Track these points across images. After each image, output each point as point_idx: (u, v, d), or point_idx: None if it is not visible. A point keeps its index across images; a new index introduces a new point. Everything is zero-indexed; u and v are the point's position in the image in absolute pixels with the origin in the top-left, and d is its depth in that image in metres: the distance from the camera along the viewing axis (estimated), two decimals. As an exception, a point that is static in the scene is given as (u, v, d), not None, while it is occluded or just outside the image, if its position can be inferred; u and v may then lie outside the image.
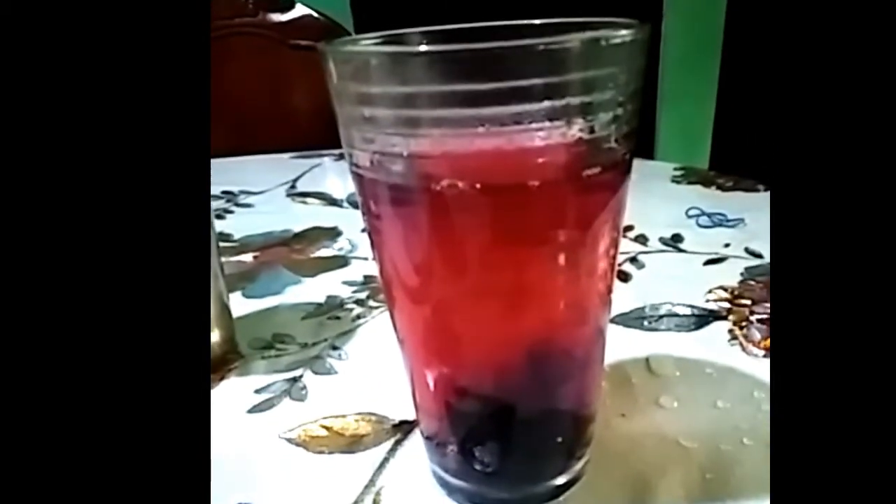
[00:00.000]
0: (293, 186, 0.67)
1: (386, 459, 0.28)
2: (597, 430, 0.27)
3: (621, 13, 0.20)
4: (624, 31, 0.18)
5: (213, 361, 0.36)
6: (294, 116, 0.88)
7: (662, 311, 0.39)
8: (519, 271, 0.21)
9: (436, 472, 0.27)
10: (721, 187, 0.59)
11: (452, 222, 0.20)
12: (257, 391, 0.33)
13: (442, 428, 0.25)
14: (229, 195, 0.65)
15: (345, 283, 0.45)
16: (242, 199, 0.64)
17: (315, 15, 0.91)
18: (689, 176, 0.63)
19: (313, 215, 0.58)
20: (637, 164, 0.21)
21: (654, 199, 0.56)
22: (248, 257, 0.50)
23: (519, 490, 0.26)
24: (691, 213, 0.53)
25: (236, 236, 0.54)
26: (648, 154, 1.76)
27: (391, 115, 0.19)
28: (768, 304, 0.38)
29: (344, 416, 0.31)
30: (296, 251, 0.51)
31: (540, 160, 0.19)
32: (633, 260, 0.46)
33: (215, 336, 0.36)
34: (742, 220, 0.51)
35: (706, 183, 0.60)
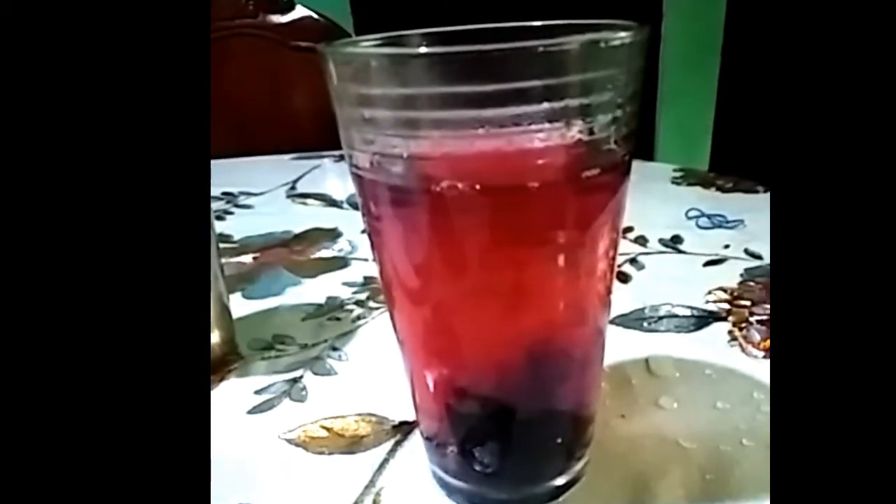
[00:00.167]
0: (293, 187, 0.67)
1: (386, 460, 0.28)
2: (596, 431, 0.27)
3: (621, 14, 0.20)
4: (623, 33, 0.18)
5: (213, 362, 0.36)
6: (294, 118, 0.88)
7: (662, 313, 0.39)
8: (518, 272, 0.21)
9: (436, 473, 0.27)
10: (721, 188, 0.59)
11: (452, 223, 0.20)
12: (257, 392, 0.33)
13: (442, 429, 0.25)
14: (229, 196, 0.65)
15: (345, 284, 0.45)
16: (242, 201, 0.64)
17: (315, 16, 0.91)
18: (688, 177, 0.63)
19: (313, 216, 0.58)
20: (637, 165, 0.21)
21: (653, 201, 0.56)
22: (248, 258, 0.50)
23: (519, 491, 0.26)
24: (691, 214, 0.53)
25: (236, 237, 0.54)
26: (648, 155, 1.76)
27: (391, 117, 0.19)
28: (768, 306, 0.38)
29: (344, 417, 0.31)
30: (296, 252, 0.51)
31: (539, 162, 0.19)
32: (632, 261, 0.46)
33: (215, 337, 0.36)
34: (742, 221, 0.51)
35: (706, 184, 0.60)
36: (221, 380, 0.35)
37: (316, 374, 0.35)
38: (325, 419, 0.31)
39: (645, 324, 0.38)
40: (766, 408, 0.29)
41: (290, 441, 0.30)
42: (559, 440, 0.25)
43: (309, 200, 0.63)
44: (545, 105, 0.18)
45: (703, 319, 0.38)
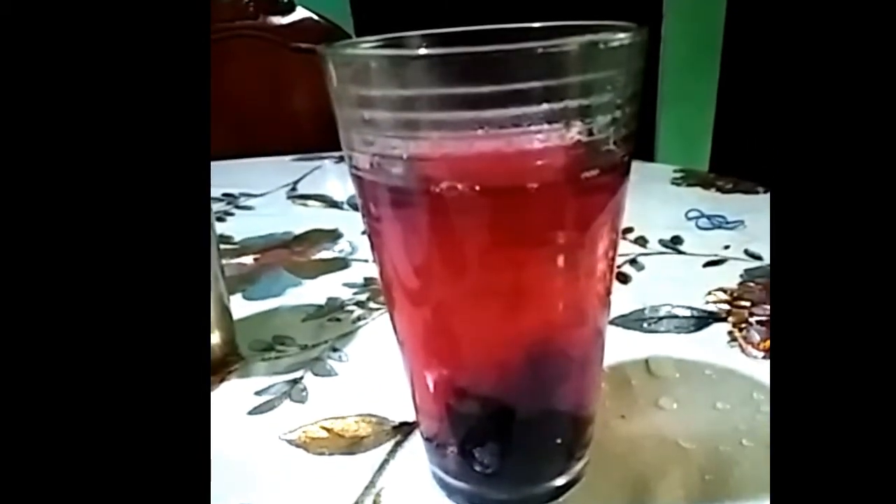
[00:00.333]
0: (294, 189, 0.67)
1: (386, 461, 0.28)
2: (596, 432, 0.27)
3: (621, 16, 0.20)
4: (622, 35, 0.18)
5: (214, 363, 0.36)
6: (294, 119, 0.88)
7: (662, 313, 0.39)
8: (518, 273, 0.21)
9: (436, 474, 0.27)
10: (721, 189, 0.59)
11: (452, 224, 0.20)
12: (257, 393, 0.33)
13: (442, 429, 0.25)
14: (230, 197, 0.65)
15: (345, 285, 0.45)
16: (243, 202, 0.64)
17: (315, 18, 0.91)
18: (688, 178, 0.63)
19: (314, 217, 0.58)
20: (637, 165, 0.22)
21: (653, 201, 0.56)
22: (248, 259, 0.50)
23: (518, 491, 0.26)
24: (691, 214, 0.53)
25: (237, 238, 0.54)
26: (648, 156, 1.76)
27: (391, 118, 0.19)
28: (767, 306, 0.38)
29: (344, 418, 0.31)
30: (296, 253, 0.51)
31: (539, 162, 0.19)
32: (632, 262, 0.46)
33: (216, 338, 0.36)
34: (742, 221, 0.51)
35: (706, 185, 0.60)
36: (222, 381, 0.35)
37: (316, 374, 0.35)
38: (326, 420, 0.31)
39: (645, 324, 0.38)
40: (766, 408, 0.29)
41: (290, 442, 0.30)
42: (559, 441, 0.25)
43: (309, 202, 0.63)
44: (544, 106, 0.18)
45: (702, 320, 0.38)
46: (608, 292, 0.23)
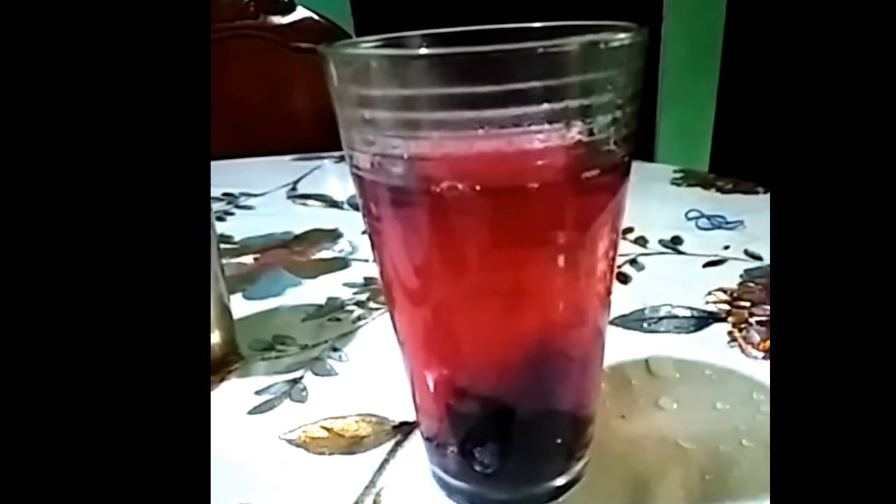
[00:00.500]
0: (294, 188, 0.67)
1: (386, 460, 0.28)
2: (596, 432, 0.27)
3: (621, 16, 0.20)
4: (622, 35, 0.18)
5: (214, 363, 0.36)
6: (295, 118, 0.88)
7: (662, 313, 0.39)
8: (518, 273, 0.21)
9: (436, 473, 0.27)
10: (721, 189, 0.59)
11: (452, 224, 0.20)
12: (258, 392, 0.33)
13: (442, 429, 0.25)
14: (230, 197, 0.65)
15: (345, 284, 0.45)
16: (243, 201, 0.64)
17: (316, 17, 0.91)
18: (688, 178, 0.63)
19: (314, 217, 0.58)
20: (637, 166, 0.22)
21: (653, 202, 0.56)
22: (248, 259, 0.50)
23: (519, 491, 0.26)
24: (691, 215, 0.53)
25: (237, 238, 0.54)
26: (648, 156, 1.76)
27: (391, 118, 0.19)
28: (767, 306, 0.38)
29: (344, 418, 0.31)
30: (296, 253, 0.51)
31: (539, 162, 0.19)
32: (632, 262, 0.46)
33: (216, 337, 0.36)
34: (741, 222, 0.51)
35: (706, 185, 0.60)
36: (222, 380, 0.35)
37: (316, 374, 0.35)
38: (326, 420, 0.31)
39: (645, 324, 0.38)
40: (766, 408, 0.29)
41: (290, 441, 0.30)
42: (559, 440, 0.25)
43: (309, 201, 0.63)
44: (545, 106, 0.18)
45: (702, 320, 0.38)
46: (608, 292, 0.23)
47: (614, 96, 0.19)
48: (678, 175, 0.64)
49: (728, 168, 0.69)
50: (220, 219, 0.59)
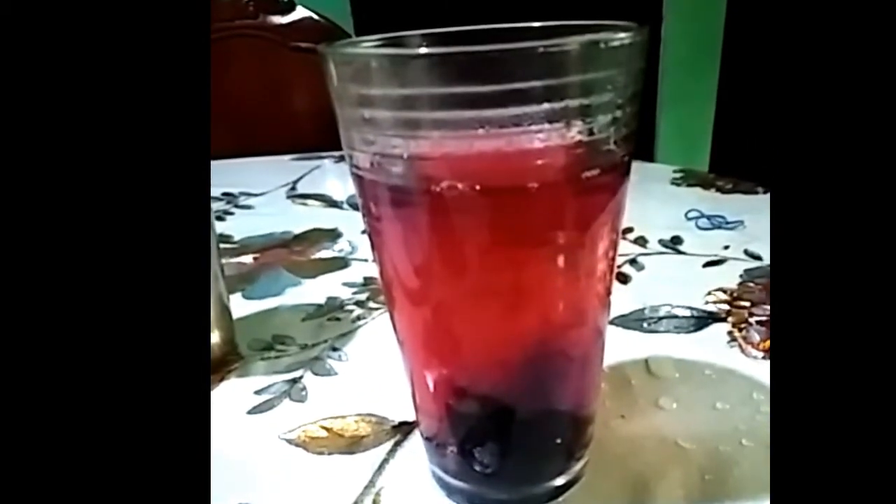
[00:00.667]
0: (293, 188, 0.67)
1: (386, 460, 0.28)
2: (596, 432, 0.27)
3: (621, 16, 0.20)
4: (622, 34, 0.18)
5: (213, 363, 0.36)
6: (294, 118, 0.88)
7: (662, 313, 0.39)
8: (518, 273, 0.21)
9: (435, 473, 0.27)
10: (720, 189, 0.59)
11: (452, 224, 0.20)
12: (257, 392, 0.33)
13: (442, 429, 0.25)
14: (229, 197, 0.65)
15: (345, 284, 0.45)
16: (243, 201, 0.64)
17: (315, 17, 0.91)
18: (688, 178, 0.63)
19: (313, 217, 0.58)
20: (637, 166, 0.22)
21: (653, 202, 0.56)
22: (248, 259, 0.50)
23: (518, 491, 0.26)
24: (691, 215, 0.53)
25: (236, 238, 0.54)
26: (648, 156, 1.76)
27: (391, 117, 0.19)
28: (767, 306, 0.38)
29: (344, 418, 0.31)
30: (296, 253, 0.51)
31: (539, 162, 0.19)
32: (632, 262, 0.46)
33: (215, 337, 0.36)
34: (741, 222, 0.51)
35: (706, 185, 0.61)
36: (221, 380, 0.35)
37: (316, 374, 0.35)
38: (325, 419, 0.31)
39: (645, 324, 0.38)
40: (766, 408, 0.29)
41: (289, 441, 0.30)
42: (559, 440, 0.25)
43: (309, 201, 0.63)
44: (545, 106, 0.18)
45: (702, 320, 0.38)
46: (608, 292, 0.23)
47: (614, 96, 0.19)
48: (678, 175, 0.64)
49: (728, 168, 0.69)
50: (219, 218, 0.59)
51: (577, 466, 0.26)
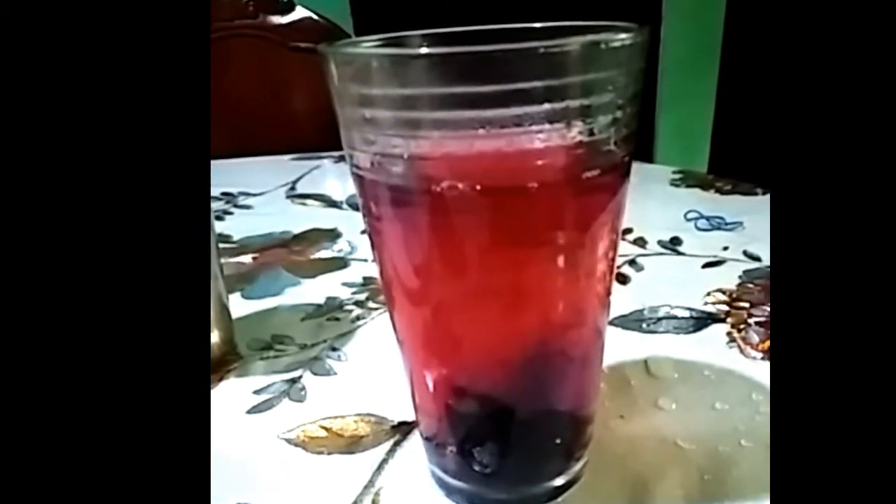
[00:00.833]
0: (293, 188, 0.67)
1: (385, 460, 0.28)
2: (595, 432, 0.27)
3: (621, 16, 0.20)
4: (623, 35, 0.18)
5: (213, 362, 0.36)
6: (294, 118, 0.88)
7: (661, 314, 0.39)
8: (518, 273, 0.21)
9: (435, 473, 0.27)
10: (720, 190, 0.59)
11: (452, 224, 0.20)
12: (256, 392, 0.33)
13: (441, 429, 0.25)
14: (229, 196, 0.65)
15: (344, 284, 0.45)
16: (242, 201, 0.64)
17: (315, 17, 0.91)
18: (687, 179, 0.63)
19: (313, 217, 0.58)
20: (636, 166, 0.22)
21: (653, 202, 0.56)
22: (247, 258, 0.50)
23: (518, 491, 0.26)
24: (690, 216, 0.53)
25: (236, 237, 0.54)
26: (647, 157, 1.76)
27: (392, 117, 0.19)
28: (766, 307, 0.38)
29: (343, 417, 0.31)
30: (295, 253, 0.51)
31: (539, 162, 0.19)
32: (632, 262, 0.46)
33: (214, 337, 0.36)
34: (741, 223, 0.51)
35: (705, 186, 0.61)
36: (221, 380, 0.35)
37: (315, 374, 0.35)
38: (325, 419, 0.31)
39: (644, 325, 0.38)
40: (765, 409, 0.29)
41: (289, 441, 0.30)
42: (558, 441, 0.25)
43: (308, 201, 0.63)
44: (545, 106, 0.18)
45: (701, 321, 0.38)
46: (608, 293, 0.23)
47: (615, 96, 0.19)
48: (677, 176, 0.64)
49: (727, 169, 0.69)
50: (219, 218, 0.59)
51: (577, 467, 0.26)
